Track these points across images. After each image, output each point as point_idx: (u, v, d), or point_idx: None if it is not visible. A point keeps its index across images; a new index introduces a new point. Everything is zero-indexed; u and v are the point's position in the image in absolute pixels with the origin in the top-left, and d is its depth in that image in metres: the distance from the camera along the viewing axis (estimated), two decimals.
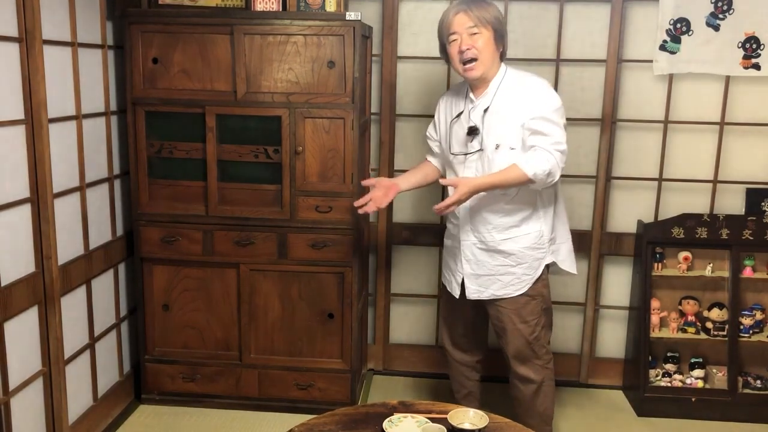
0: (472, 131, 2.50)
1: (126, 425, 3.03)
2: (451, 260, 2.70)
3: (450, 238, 2.72)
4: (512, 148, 2.45)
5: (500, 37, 2.48)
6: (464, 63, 2.46)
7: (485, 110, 2.49)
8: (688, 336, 3.24)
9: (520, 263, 2.53)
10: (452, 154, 2.60)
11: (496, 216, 2.53)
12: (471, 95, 2.56)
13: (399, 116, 3.39)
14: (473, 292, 2.60)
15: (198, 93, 2.93)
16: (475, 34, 2.43)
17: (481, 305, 2.66)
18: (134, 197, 3.04)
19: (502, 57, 2.55)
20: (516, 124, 2.44)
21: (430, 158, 2.82)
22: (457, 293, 2.66)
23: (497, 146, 2.46)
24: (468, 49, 2.44)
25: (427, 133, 2.80)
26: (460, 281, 2.64)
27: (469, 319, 2.76)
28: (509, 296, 2.55)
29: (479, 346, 2.83)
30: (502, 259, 2.54)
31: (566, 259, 2.65)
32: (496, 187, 2.41)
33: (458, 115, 2.58)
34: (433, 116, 2.76)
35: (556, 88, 3.11)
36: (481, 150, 2.49)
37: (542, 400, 2.65)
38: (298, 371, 3.12)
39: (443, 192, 3.39)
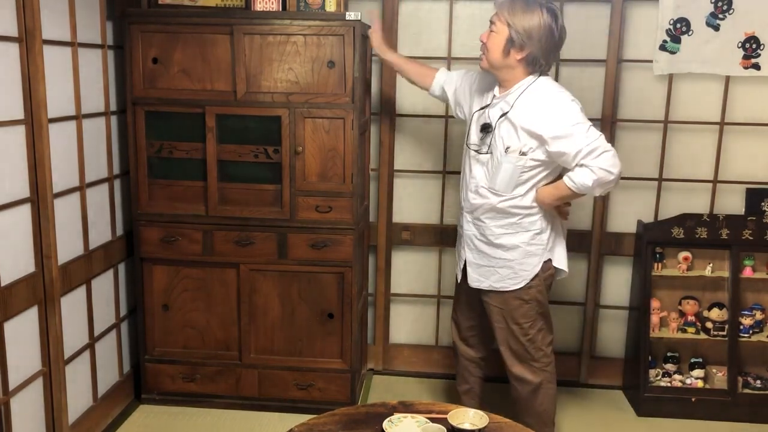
0: (485, 128, 2.55)
1: (126, 425, 3.03)
2: (459, 245, 2.77)
3: (459, 224, 2.77)
4: (523, 153, 2.45)
5: (513, 43, 2.44)
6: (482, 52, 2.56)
7: (503, 114, 2.49)
8: (688, 336, 3.24)
9: (517, 258, 2.56)
10: (467, 144, 2.64)
11: (498, 213, 2.55)
12: (496, 90, 2.58)
13: (399, 116, 3.38)
14: (474, 281, 2.67)
15: (198, 93, 2.93)
16: (492, 31, 2.50)
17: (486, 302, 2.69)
18: (134, 197, 3.04)
19: (536, 69, 2.49)
20: (527, 133, 2.44)
21: (438, 73, 2.86)
22: (459, 277, 2.77)
23: (507, 149, 2.48)
24: (482, 41, 2.54)
25: (448, 70, 2.89)
26: (462, 266, 2.73)
27: (476, 315, 2.79)
28: (506, 289, 2.59)
29: (484, 344, 2.86)
30: (501, 252, 2.58)
31: (561, 258, 2.65)
32: (562, 200, 2.52)
33: (482, 108, 2.60)
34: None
35: None
36: (490, 153, 2.53)
37: (541, 401, 2.66)
38: (298, 371, 3.12)
39: (443, 192, 3.40)
